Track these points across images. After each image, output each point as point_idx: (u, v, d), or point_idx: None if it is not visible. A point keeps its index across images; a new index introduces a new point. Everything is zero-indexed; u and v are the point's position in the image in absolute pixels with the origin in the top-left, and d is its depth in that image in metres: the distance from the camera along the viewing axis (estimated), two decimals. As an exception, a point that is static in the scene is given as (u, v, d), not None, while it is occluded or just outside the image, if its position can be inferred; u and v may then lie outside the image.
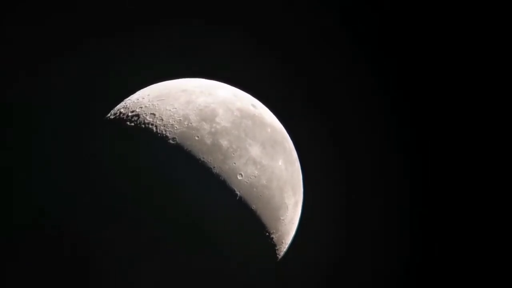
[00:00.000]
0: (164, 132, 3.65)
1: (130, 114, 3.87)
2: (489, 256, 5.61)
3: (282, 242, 4.05)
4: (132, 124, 3.79)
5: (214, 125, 3.69)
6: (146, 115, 3.78)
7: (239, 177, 3.63)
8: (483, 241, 5.62)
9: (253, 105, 4.07)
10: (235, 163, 3.63)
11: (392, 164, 5.94)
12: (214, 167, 3.57)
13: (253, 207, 3.68)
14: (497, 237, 5.60)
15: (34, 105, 5.55)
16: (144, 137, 3.68)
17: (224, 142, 3.65)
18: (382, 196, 5.86)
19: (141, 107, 3.87)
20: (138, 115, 3.81)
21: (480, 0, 5.72)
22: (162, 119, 3.72)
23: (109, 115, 4.12)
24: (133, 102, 4.01)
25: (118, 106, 4.15)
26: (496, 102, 5.77)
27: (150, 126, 3.71)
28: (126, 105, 4.02)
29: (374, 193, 5.88)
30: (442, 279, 5.64)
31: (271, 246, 3.94)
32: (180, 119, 3.70)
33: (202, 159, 3.57)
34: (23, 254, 5.17)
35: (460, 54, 5.86)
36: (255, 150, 3.75)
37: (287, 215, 3.98)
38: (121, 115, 3.93)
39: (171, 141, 3.62)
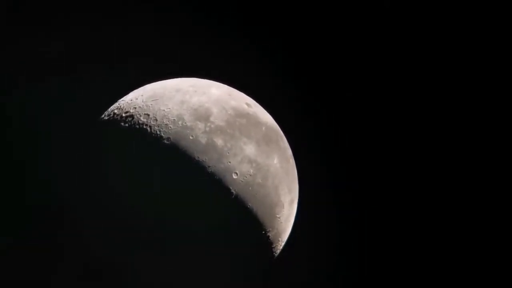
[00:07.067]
0: (158, 132, 3.65)
1: (124, 115, 3.87)
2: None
3: (279, 240, 4.06)
4: (127, 125, 3.78)
5: (208, 124, 3.69)
6: (140, 116, 3.78)
7: (234, 176, 3.63)
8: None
9: (247, 104, 4.07)
10: (230, 162, 3.64)
11: (389, 161, 5.95)
12: (209, 166, 3.58)
13: (249, 205, 3.69)
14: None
15: (27, 107, 5.53)
16: (139, 137, 3.68)
17: (219, 141, 3.65)
18: (379, 194, 5.88)
19: (135, 108, 3.87)
20: (132, 116, 3.81)
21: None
22: (156, 119, 3.72)
23: (103, 116, 4.11)
24: (127, 102, 4.01)
25: (112, 107, 4.14)
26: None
27: (144, 126, 3.71)
28: (120, 106, 4.02)
29: (370, 191, 5.89)
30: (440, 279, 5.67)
31: (268, 244, 3.95)
32: (174, 119, 3.70)
33: (197, 159, 3.57)
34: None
35: (459, 54, 5.86)
36: (250, 149, 3.75)
37: (283, 213, 3.99)
38: (115, 116, 3.92)
39: (165, 141, 3.61)
